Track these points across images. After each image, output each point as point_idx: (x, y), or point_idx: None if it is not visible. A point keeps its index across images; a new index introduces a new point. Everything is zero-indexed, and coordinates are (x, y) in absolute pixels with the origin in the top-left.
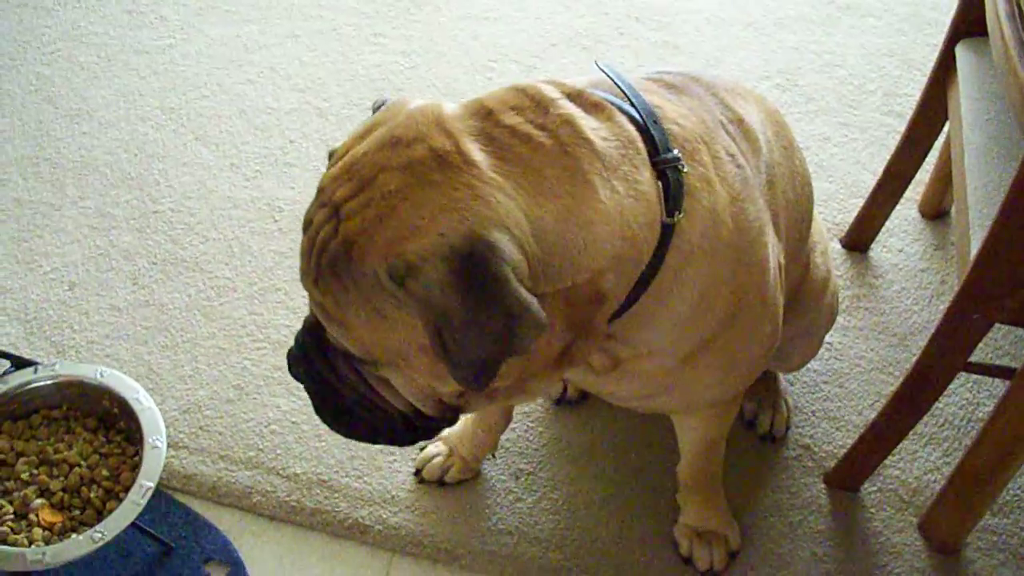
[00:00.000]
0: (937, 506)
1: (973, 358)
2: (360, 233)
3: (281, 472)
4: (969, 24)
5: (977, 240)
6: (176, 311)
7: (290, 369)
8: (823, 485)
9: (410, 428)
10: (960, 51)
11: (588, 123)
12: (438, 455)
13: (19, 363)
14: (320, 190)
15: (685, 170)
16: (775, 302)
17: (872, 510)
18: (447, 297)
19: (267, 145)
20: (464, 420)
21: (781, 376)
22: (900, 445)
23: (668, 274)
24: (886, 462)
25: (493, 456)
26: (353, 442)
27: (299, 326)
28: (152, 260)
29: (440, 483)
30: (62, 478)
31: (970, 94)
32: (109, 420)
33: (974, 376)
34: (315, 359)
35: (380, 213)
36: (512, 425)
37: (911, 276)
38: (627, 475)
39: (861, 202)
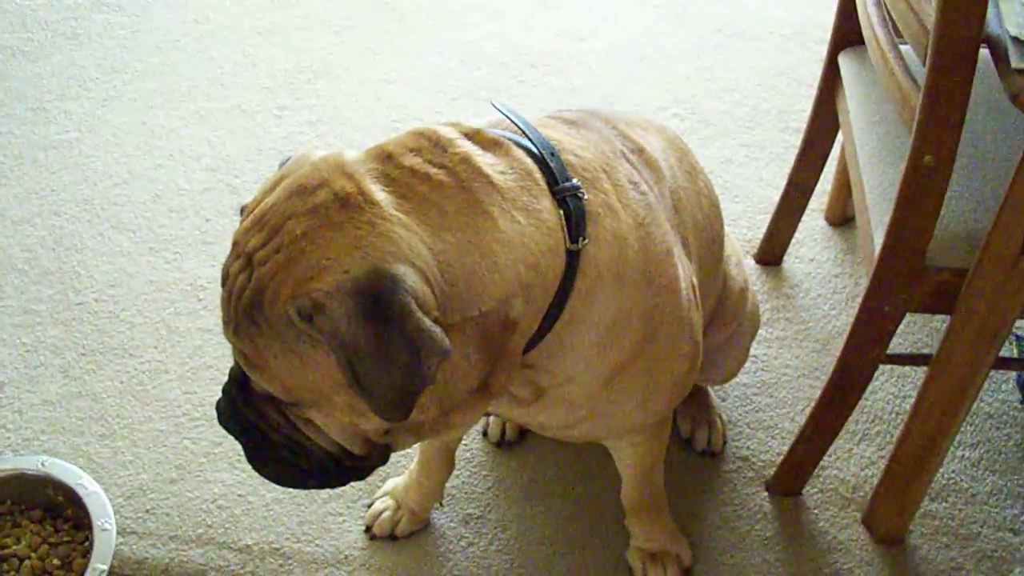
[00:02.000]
0: (876, 498)
1: (891, 351)
2: (271, 278)
3: (232, 545)
4: (848, 34)
5: (880, 236)
6: (110, 399)
7: (219, 420)
8: (766, 493)
9: (340, 469)
10: (843, 61)
11: (485, 159)
12: (386, 510)
13: None
14: (234, 243)
15: (586, 198)
16: (691, 321)
17: (816, 511)
18: (354, 330)
19: (183, 226)
20: (408, 472)
21: (712, 393)
22: (835, 444)
23: (578, 299)
24: (823, 463)
25: (440, 504)
26: (302, 507)
27: None
28: (81, 351)
29: (392, 537)
30: (14, 572)
31: (857, 100)
32: (55, 509)
33: (898, 371)
34: (242, 408)
35: (289, 257)
36: (456, 472)
37: (825, 283)
38: (575, 507)
39: (768, 218)
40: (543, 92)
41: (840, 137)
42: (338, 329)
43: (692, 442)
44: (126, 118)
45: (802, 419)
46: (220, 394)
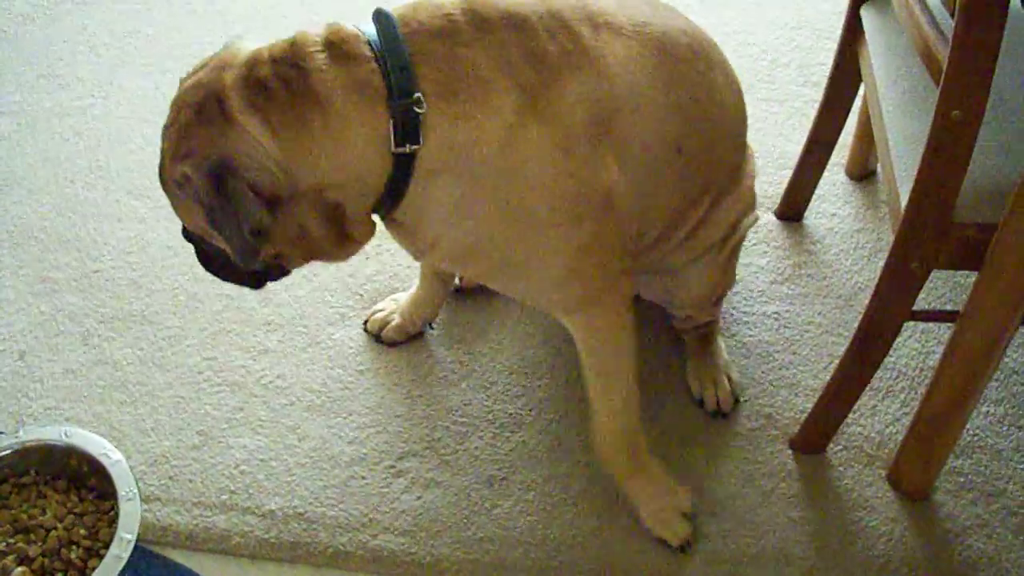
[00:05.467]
0: (902, 456)
1: (916, 307)
2: (165, 155)
3: (256, 511)
4: None
5: (905, 192)
6: (130, 366)
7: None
8: (790, 451)
9: (257, 278)
10: (865, 13)
11: (326, 75)
12: (382, 310)
13: None
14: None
15: (422, 110)
16: (572, 218)
17: (840, 468)
18: (207, 198)
19: None
20: (414, 286)
21: (721, 351)
22: (859, 402)
23: (417, 187)
24: (848, 420)
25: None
26: (324, 471)
27: (255, 365)
28: (99, 319)
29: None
30: (40, 543)
31: (880, 53)
32: (79, 479)
33: (921, 326)
34: (189, 240)
35: (176, 140)
36: (479, 433)
37: (847, 238)
38: (599, 470)
39: (790, 173)
40: None
41: (862, 91)
42: (199, 195)
43: (703, 403)
44: (139, 82)
45: (825, 376)
46: (247, 379)
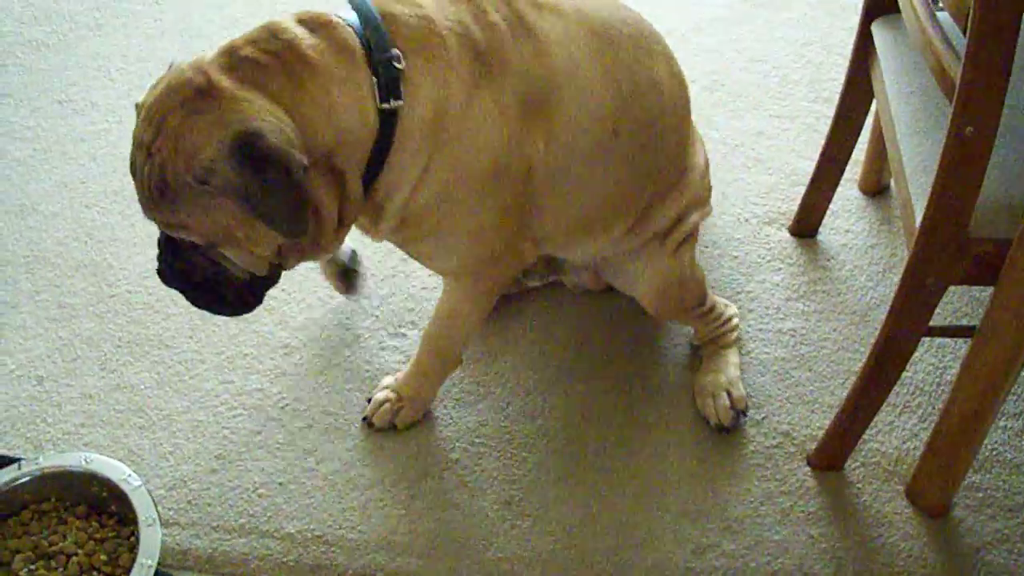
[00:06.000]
0: (920, 472)
1: (932, 322)
2: (168, 162)
3: (275, 534)
4: (881, 3)
5: (920, 208)
6: (148, 390)
7: (164, 281)
8: (808, 468)
9: (250, 291)
10: (876, 30)
11: (307, 42)
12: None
13: (1, 462)
14: (133, 137)
15: (401, 66)
16: (496, 184)
17: (859, 485)
18: (241, 178)
19: None
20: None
21: (728, 365)
22: (876, 418)
23: (395, 156)
24: (865, 436)
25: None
26: (343, 494)
27: (272, 388)
28: (117, 343)
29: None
30: (61, 569)
31: (892, 70)
32: (99, 505)
33: (937, 341)
34: (176, 265)
35: (175, 143)
36: (496, 454)
37: (862, 253)
38: (616, 488)
39: (803, 190)
40: None
41: (874, 107)
42: (229, 181)
43: (706, 418)
44: None
45: (842, 392)
46: (265, 403)
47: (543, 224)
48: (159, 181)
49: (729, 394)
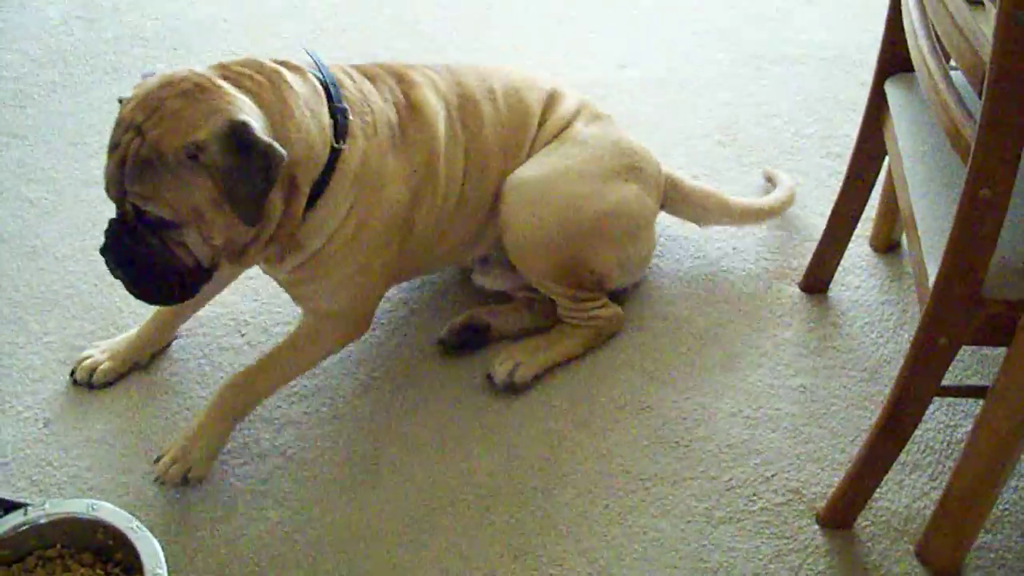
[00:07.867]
0: (931, 532)
1: (944, 381)
2: (162, 136)
3: None
4: (895, 61)
5: (933, 268)
6: (155, 435)
7: (106, 258)
8: (817, 526)
9: (191, 282)
10: (890, 88)
11: (288, 75)
12: (89, 357)
13: (8, 506)
14: (120, 121)
15: (350, 118)
16: (390, 242)
17: (869, 544)
18: (227, 159)
19: None
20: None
21: (552, 349)
22: (886, 476)
23: (333, 184)
24: (875, 495)
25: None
26: (348, 544)
27: (279, 438)
28: (125, 387)
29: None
30: None
31: (906, 129)
32: (105, 553)
33: (948, 400)
34: (127, 243)
35: (172, 122)
36: (504, 504)
37: (873, 310)
38: (626, 540)
39: (814, 245)
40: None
41: (886, 164)
42: (216, 159)
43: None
44: None
45: (852, 450)
46: (272, 450)
47: (409, 267)
48: (151, 153)
49: (516, 367)
